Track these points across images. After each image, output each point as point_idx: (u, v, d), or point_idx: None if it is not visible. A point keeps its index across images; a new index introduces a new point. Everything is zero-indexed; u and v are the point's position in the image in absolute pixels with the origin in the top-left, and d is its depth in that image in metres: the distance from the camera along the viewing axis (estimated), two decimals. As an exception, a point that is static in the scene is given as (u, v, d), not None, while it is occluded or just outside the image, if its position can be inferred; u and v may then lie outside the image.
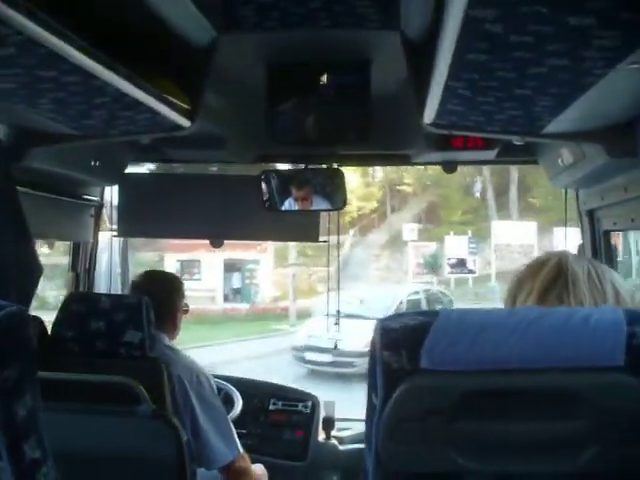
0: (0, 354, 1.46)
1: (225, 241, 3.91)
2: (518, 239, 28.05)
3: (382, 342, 1.26)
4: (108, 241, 3.97)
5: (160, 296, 3.02)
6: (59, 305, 2.95)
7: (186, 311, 3.35)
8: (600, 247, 3.25)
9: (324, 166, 3.55)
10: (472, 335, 1.21)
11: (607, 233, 3.21)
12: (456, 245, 28.83)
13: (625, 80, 1.71)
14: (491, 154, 3.39)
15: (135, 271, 3.83)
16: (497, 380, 1.20)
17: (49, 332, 2.91)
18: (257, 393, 4.15)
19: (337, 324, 4.50)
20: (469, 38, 1.48)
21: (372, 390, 1.29)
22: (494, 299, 24.31)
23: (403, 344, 1.25)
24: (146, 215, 3.86)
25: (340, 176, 3.53)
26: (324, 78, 2.98)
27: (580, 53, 1.49)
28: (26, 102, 2.13)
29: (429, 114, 2.34)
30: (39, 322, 2.83)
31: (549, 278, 1.66)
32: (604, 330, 1.19)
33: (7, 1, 1.41)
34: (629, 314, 1.22)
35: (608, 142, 2.39)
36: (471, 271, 29.02)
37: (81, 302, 2.89)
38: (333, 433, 4.12)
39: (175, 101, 2.42)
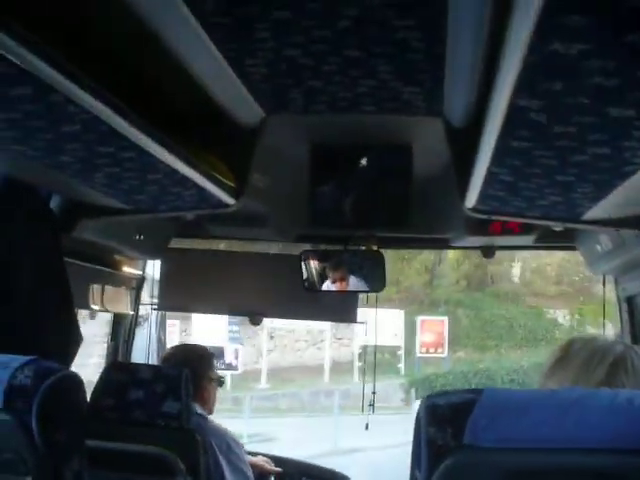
0: (52, 418, 1.49)
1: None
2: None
3: (427, 418, 1.28)
4: (147, 313, 4.03)
5: (188, 367, 3.05)
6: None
7: (220, 383, 3.39)
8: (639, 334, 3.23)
9: (363, 248, 3.59)
10: (515, 413, 1.23)
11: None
12: (207, 328, 20.25)
13: None
14: (529, 239, 3.41)
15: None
16: (539, 459, 1.21)
17: (88, 400, 2.94)
18: (289, 470, 4.12)
19: None
20: (513, 126, 1.53)
21: (415, 465, 1.30)
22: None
23: (448, 420, 1.26)
24: (186, 290, 3.91)
25: (378, 258, 3.57)
26: (366, 161, 3.05)
27: (621, 143, 1.53)
28: (82, 176, 2.21)
29: (470, 199, 2.38)
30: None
31: (609, 365, 1.63)
32: None
33: (77, 81, 1.49)
34: None
35: None
36: (230, 366, 20.77)
37: (122, 371, 2.93)
38: None
39: (221, 179, 2.49)
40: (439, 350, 24.49)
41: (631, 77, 1.18)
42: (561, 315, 27.02)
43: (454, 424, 1.26)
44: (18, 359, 1.61)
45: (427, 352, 24.52)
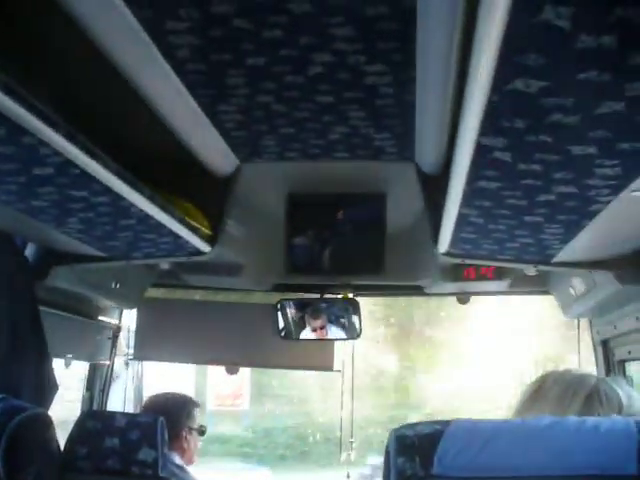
0: (20, 456, 1.48)
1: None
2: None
3: (396, 448, 1.29)
4: (123, 363, 4.01)
5: (166, 415, 3.03)
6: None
7: (202, 432, 3.36)
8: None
9: (340, 296, 3.60)
10: (483, 442, 1.24)
11: (622, 362, 3.21)
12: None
13: (631, 207, 1.76)
14: (503, 285, 3.44)
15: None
16: None
17: (61, 449, 2.91)
18: None
19: None
20: (480, 166, 1.56)
21: None
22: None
23: (417, 450, 1.28)
24: (163, 339, 3.90)
25: (355, 306, 3.59)
26: (341, 210, 3.08)
27: (585, 181, 1.56)
28: (55, 221, 2.22)
29: (443, 243, 2.41)
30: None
31: (583, 400, 1.66)
32: (615, 438, 1.22)
33: (50, 123, 1.51)
34: (639, 423, 1.24)
35: (619, 270, 2.43)
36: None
37: (96, 419, 2.90)
38: None
39: (197, 226, 2.51)
40: (237, 402, 21.26)
41: (589, 115, 1.21)
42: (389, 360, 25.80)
43: (423, 454, 1.27)
44: None
45: (221, 405, 20.81)
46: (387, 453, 1.31)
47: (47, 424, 1.55)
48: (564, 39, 0.99)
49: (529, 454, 1.22)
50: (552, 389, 1.72)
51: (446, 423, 1.29)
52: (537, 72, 1.09)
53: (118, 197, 1.99)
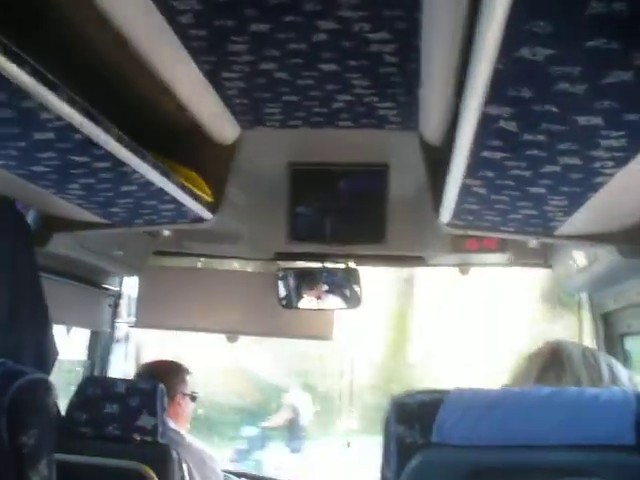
0: (20, 420, 1.49)
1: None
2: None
3: (396, 416, 1.29)
4: (124, 330, 4.02)
5: (160, 381, 3.03)
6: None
7: (193, 398, 3.38)
8: (615, 351, 3.25)
9: (341, 265, 3.60)
10: (482, 411, 1.24)
11: (622, 336, 3.21)
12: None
13: (635, 181, 1.76)
14: (504, 257, 3.43)
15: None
16: (506, 456, 1.22)
17: (62, 414, 2.92)
18: None
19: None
20: (484, 135, 1.55)
21: (385, 463, 1.32)
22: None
23: (416, 418, 1.28)
24: (164, 308, 3.90)
25: (356, 275, 3.59)
26: (344, 179, 3.07)
27: (590, 152, 1.55)
28: (56, 187, 2.21)
29: (445, 213, 2.40)
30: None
31: (545, 360, 1.69)
32: (614, 408, 1.22)
33: (50, 86, 1.49)
34: (638, 395, 1.25)
35: (621, 243, 2.42)
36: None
37: (97, 386, 2.92)
38: None
39: (199, 193, 2.50)
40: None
41: (596, 84, 1.20)
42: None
43: (422, 422, 1.27)
44: None
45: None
46: (386, 421, 1.32)
47: (48, 389, 1.56)
48: (574, 5, 0.98)
49: (528, 423, 1.23)
50: (527, 354, 1.75)
51: (446, 392, 1.30)
52: (544, 39, 1.07)
53: (119, 163, 1.98)
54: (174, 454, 2.80)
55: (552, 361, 1.68)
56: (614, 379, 1.65)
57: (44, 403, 1.55)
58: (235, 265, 4.14)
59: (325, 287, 3.60)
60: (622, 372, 1.68)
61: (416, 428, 1.27)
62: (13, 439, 1.49)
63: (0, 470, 1.49)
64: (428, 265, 3.77)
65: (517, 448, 1.22)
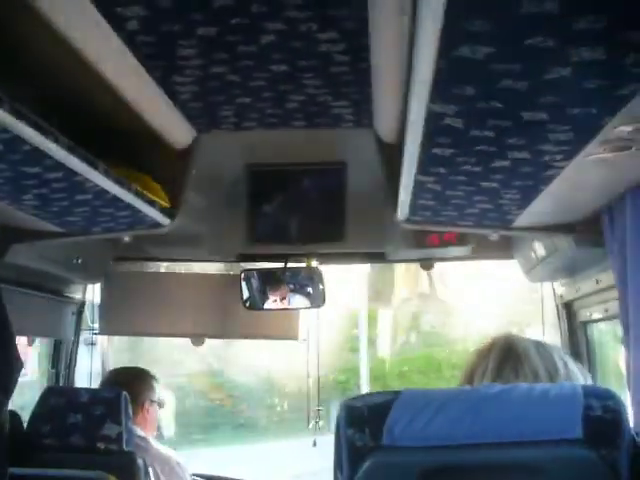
0: None
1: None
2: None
3: (346, 420, 1.29)
4: (87, 339, 3.99)
5: (127, 389, 3.02)
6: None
7: (160, 405, 3.37)
8: (578, 339, 3.29)
9: (303, 265, 3.60)
10: (432, 411, 1.25)
11: (584, 324, 3.25)
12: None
13: (586, 172, 1.77)
14: (466, 250, 3.45)
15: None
16: (456, 456, 1.23)
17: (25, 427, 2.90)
18: None
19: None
20: (433, 133, 1.56)
21: (338, 468, 1.32)
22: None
23: (366, 421, 1.28)
24: (128, 313, 3.89)
25: (318, 274, 3.59)
26: (302, 178, 3.07)
27: (538, 147, 1.57)
28: (10, 198, 2.19)
29: (403, 210, 2.41)
30: (16, 417, 2.82)
31: (501, 354, 1.70)
32: (563, 403, 1.23)
33: None
34: (586, 388, 1.26)
35: (577, 234, 2.45)
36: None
37: (59, 396, 2.89)
38: None
39: (155, 199, 2.49)
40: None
41: (537, 80, 1.21)
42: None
43: (372, 425, 1.27)
44: None
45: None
46: (337, 424, 1.32)
47: None
48: (508, 4, 0.99)
49: (480, 422, 1.23)
50: (479, 349, 1.75)
51: (396, 393, 1.30)
52: (483, 38, 1.08)
53: (72, 172, 1.96)
54: (139, 462, 2.78)
55: (508, 356, 1.69)
56: (568, 372, 1.67)
57: None
58: (198, 268, 4.12)
59: (289, 287, 3.61)
60: (572, 363, 1.69)
61: (366, 431, 1.27)
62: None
63: None
64: (389, 261, 3.78)
65: (467, 447, 1.22)
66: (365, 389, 14.11)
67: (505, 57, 1.14)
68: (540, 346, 1.72)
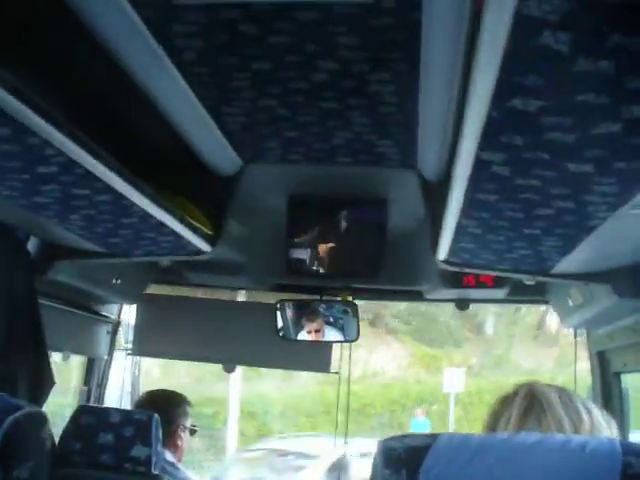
0: (14, 453, 1.50)
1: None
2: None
3: (384, 461, 1.30)
4: (121, 358, 4.02)
5: (161, 413, 3.02)
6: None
7: (193, 432, 3.36)
8: (610, 389, 3.25)
9: (338, 298, 3.62)
10: (469, 457, 1.24)
11: (617, 375, 3.22)
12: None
13: (629, 224, 1.78)
14: (502, 293, 3.45)
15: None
16: None
17: (56, 444, 2.92)
18: None
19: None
20: (479, 179, 1.58)
21: None
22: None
23: (403, 463, 1.28)
24: (161, 336, 3.92)
25: (353, 309, 3.60)
26: (342, 213, 3.09)
27: (583, 197, 1.58)
28: (58, 217, 2.23)
29: (442, 251, 2.42)
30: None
31: (525, 403, 1.68)
32: (600, 458, 1.22)
33: (54, 124, 1.52)
34: (624, 445, 1.25)
35: (616, 283, 2.44)
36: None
37: (91, 415, 2.91)
38: None
39: (198, 225, 2.52)
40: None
41: (586, 134, 1.23)
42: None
43: (409, 467, 1.27)
44: None
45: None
46: (374, 464, 1.32)
47: (42, 422, 1.58)
48: (562, 62, 1.01)
49: (515, 470, 1.23)
50: (501, 398, 1.75)
51: (434, 436, 1.30)
52: (535, 92, 1.10)
53: (120, 196, 2.01)
54: None
55: (531, 405, 1.68)
56: (592, 421, 1.66)
57: (39, 437, 1.56)
58: (233, 295, 4.14)
59: (323, 319, 3.61)
60: (596, 411, 1.68)
61: (402, 473, 1.28)
62: (7, 473, 1.50)
63: None
64: (425, 300, 3.78)
65: None
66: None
67: (556, 111, 1.16)
68: (564, 394, 1.71)
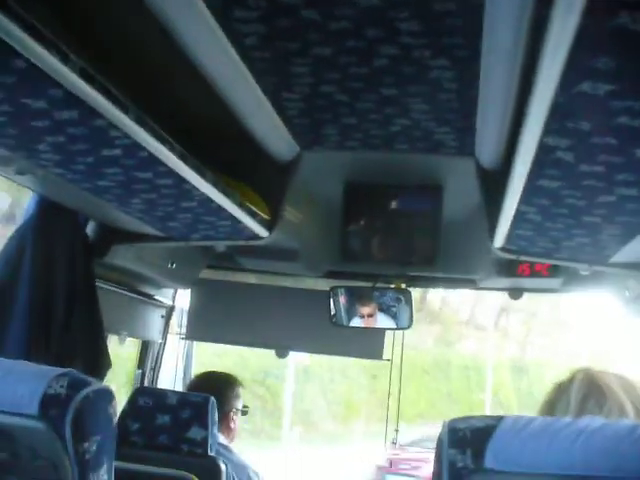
0: (84, 428, 1.54)
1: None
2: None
3: (449, 440, 1.31)
4: (175, 342, 4.06)
5: (214, 394, 3.05)
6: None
7: (245, 413, 3.39)
8: None
9: (392, 285, 3.61)
10: (539, 439, 1.24)
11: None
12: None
13: None
14: (556, 282, 3.42)
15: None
16: None
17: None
18: None
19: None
20: (542, 165, 1.56)
21: None
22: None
23: (469, 443, 1.29)
24: (215, 320, 3.95)
25: (407, 296, 3.59)
26: (397, 201, 3.09)
27: None
28: (118, 200, 2.27)
29: (499, 238, 2.40)
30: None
31: (584, 389, 1.67)
32: None
33: (121, 106, 1.55)
34: None
35: None
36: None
37: (148, 396, 2.96)
38: None
39: (256, 210, 2.54)
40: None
41: None
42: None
43: (474, 447, 1.28)
44: (53, 370, 1.66)
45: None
46: (439, 443, 1.33)
47: (110, 398, 1.61)
48: (636, 42, 1.00)
49: (584, 452, 1.22)
50: (559, 384, 1.73)
51: (499, 418, 1.30)
52: (606, 75, 1.09)
53: (181, 180, 2.03)
54: (223, 467, 2.83)
55: (590, 390, 1.67)
56: None
57: (107, 412, 1.60)
58: (287, 281, 4.16)
59: (376, 306, 3.61)
60: None
61: (467, 453, 1.28)
62: (76, 445, 1.54)
63: (63, 475, 1.55)
64: (479, 288, 3.76)
65: (572, 477, 1.21)
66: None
67: (626, 94, 1.14)
68: (623, 380, 1.70)
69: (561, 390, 1.74)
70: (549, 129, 1.34)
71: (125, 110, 1.56)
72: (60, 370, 1.65)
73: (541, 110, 1.27)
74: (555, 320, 29.36)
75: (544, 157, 1.51)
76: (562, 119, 1.29)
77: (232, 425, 3.31)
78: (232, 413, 3.30)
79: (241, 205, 2.38)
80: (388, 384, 4.35)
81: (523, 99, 1.40)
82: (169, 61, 1.87)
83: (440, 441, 1.33)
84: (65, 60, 1.32)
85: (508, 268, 3.36)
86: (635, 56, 1.03)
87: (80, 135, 1.65)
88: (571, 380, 1.75)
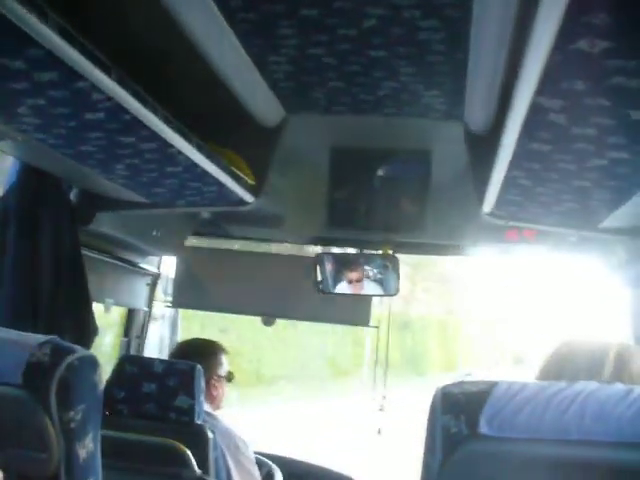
0: (69, 396, 1.52)
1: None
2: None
3: (442, 406, 1.29)
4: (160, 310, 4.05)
5: (196, 362, 3.03)
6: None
7: (229, 379, 3.37)
8: None
9: (379, 252, 3.59)
10: (533, 404, 1.23)
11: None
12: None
13: None
14: (544, 249, 3.41)
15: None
16: (555, 450, 1.21)
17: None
18: (298, 473, 4.10)
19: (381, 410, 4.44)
20: (533, 127, 1.54)
21: (429, 452, 1.31)
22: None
23: (463, 409, 1.28)
24: (201, 288, 3.93)
25: (394, 263, 3.57)
26: (385, 165, 3.06)
27: (639, 147, 1.54)
28: (102, 166, 2.23)
29: (488, 203, 2.39)
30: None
31: (612, 375, 1.63)
32: None
33: (102, 67, 1.51)
34: None
35: None
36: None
37: (135, 364, 2.94)
38: None
39: (241, 175, 2.51)
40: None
41: None
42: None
43: (469, 413, 1.27)
44: (36, 337, 1.64)
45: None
46: (432, 409, 1.31)
47: (95, 366, 1.59)
48: None
49: (579, 417, 1.21)
50: (579, 356, 1.70)
51: (492, 383, 1.29)
52: (603, 32, 1.06)
53: (166, 144, 1.99)
54: (210, 434, 2.81)
55: (620, 378, 1.63)
56: None
57: (92, 380, 1.58)
58: (273, 248, 4.14)
59: (363, 273, 3.59)
60: None
61: (462, 419, 1.27)
62: (61, 414, 1.52)
63: (48, 444, 1.53)
64: (466, 254, 3.75)
65: (567, 442, 1.20)
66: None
67: (623, 53, 1.12)
68: (620, 347, 1.67)
69: (589, 367, 1.69)
70: (542, 90, 1.32)
71: (107, 71, 1.52)
72: (43, 337, 1.63)
73: (535, 69, 1.24)
74: (438, 275, 29.37)
75: (536, 119, 1.48)
76: (556, 79, 1.26)
77: (214, 393, 3.28)
78: (214, 380, 3.27)
79: (226, 170, 2.35)
80: (376, 348, 4.34)
81: (515, 60, 1.37)
82: (152, 22, 1.83)
83: (433, 407, 1.31)
84: (44, 19, 1.28)
85: (496, 234, 3.34)
86: (633, 12, 1.00)
87: (61, 98, 1.60)
88: (602, 360, 1.69)
